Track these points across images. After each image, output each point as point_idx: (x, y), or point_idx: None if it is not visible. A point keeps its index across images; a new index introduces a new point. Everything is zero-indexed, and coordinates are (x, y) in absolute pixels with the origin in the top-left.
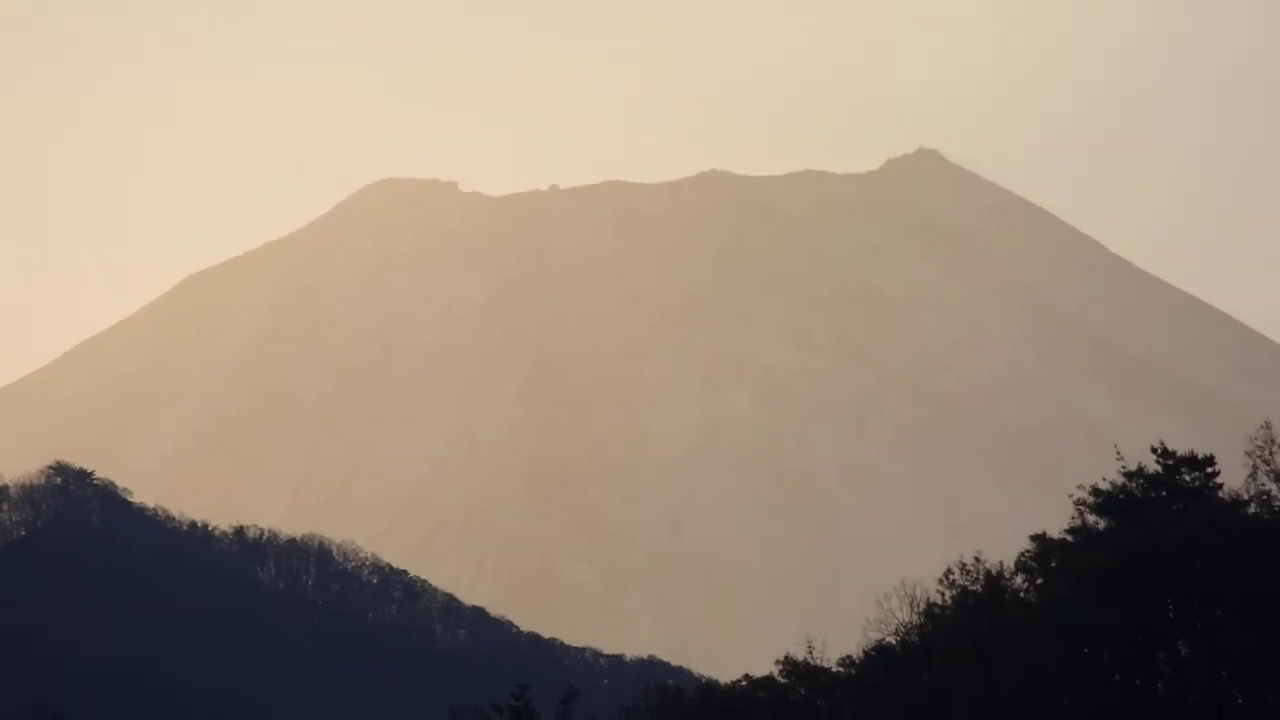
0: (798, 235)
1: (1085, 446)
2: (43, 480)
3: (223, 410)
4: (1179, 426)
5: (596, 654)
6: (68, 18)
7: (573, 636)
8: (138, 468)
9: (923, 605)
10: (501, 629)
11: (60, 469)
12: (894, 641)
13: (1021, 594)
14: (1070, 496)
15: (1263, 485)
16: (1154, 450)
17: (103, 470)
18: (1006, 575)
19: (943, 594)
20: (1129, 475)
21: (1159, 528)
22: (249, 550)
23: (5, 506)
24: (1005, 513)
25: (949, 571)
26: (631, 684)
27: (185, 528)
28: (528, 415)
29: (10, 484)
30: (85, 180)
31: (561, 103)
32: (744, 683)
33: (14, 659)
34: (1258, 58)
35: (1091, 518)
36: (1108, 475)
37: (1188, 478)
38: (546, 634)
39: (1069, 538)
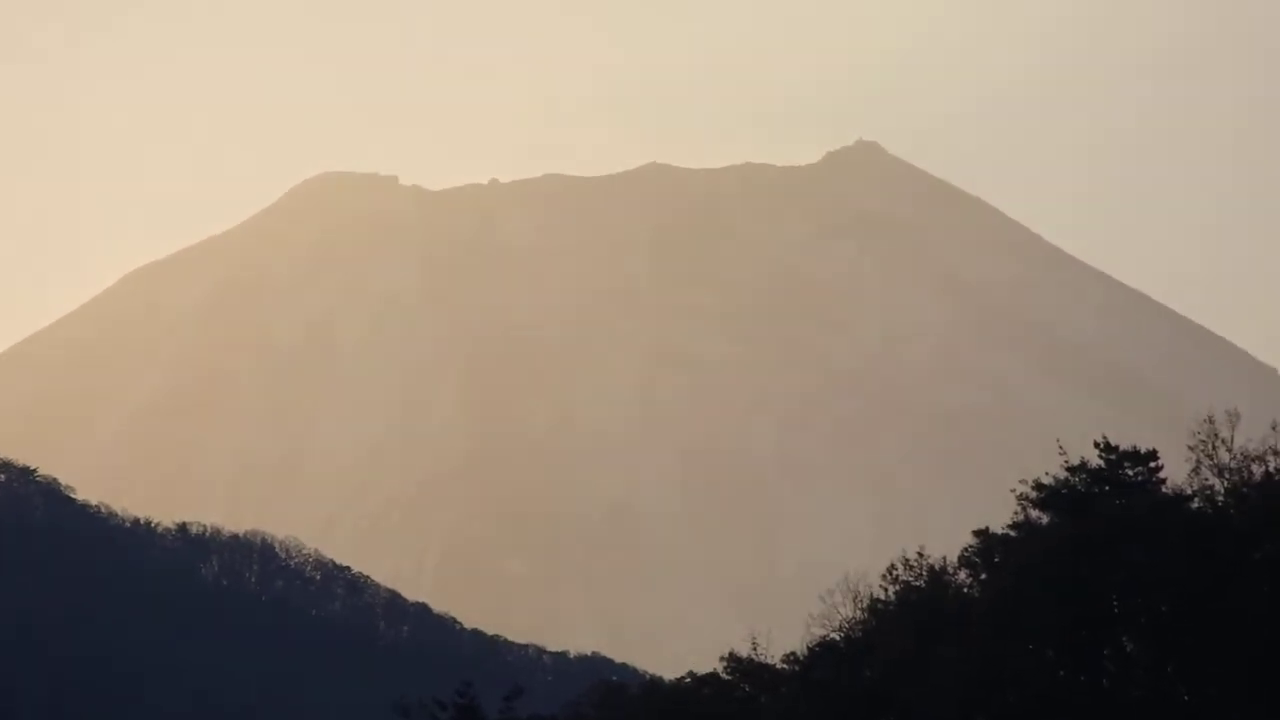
0: (736, 227)
1: (1023, 434)
2: None
3: (165, 404)
4: (1115, 414)
5: (540, 650)
6: (7, 13)
7: (511, 627)
8: (80, 463)
9: (866, 601)
10: (444, 625)
11: (3, 466)
12: (838, 637)
13: (965, 589)
14: (1013, 491)
15: (1205, 480)
16: (1097, 445)
17: (46, 466)
18: (950, 570)
19: (886, 589)
20: (1072, 470)
21: (1102, 522)
22: (192, 546)
23: None
24: (944, 502)
25: (892, 567)
26: (575, 681)
27: (129, 524)
28: (466, 408)
29: None
30: (28, 176)
31: (501, 97)
32: (688, 679)
33: None
34: (1190, 43)
35: (1034, 512)
36: (1046, 463)
37: (1130, 472)
38: (488, 627)
39: (1012, 533)
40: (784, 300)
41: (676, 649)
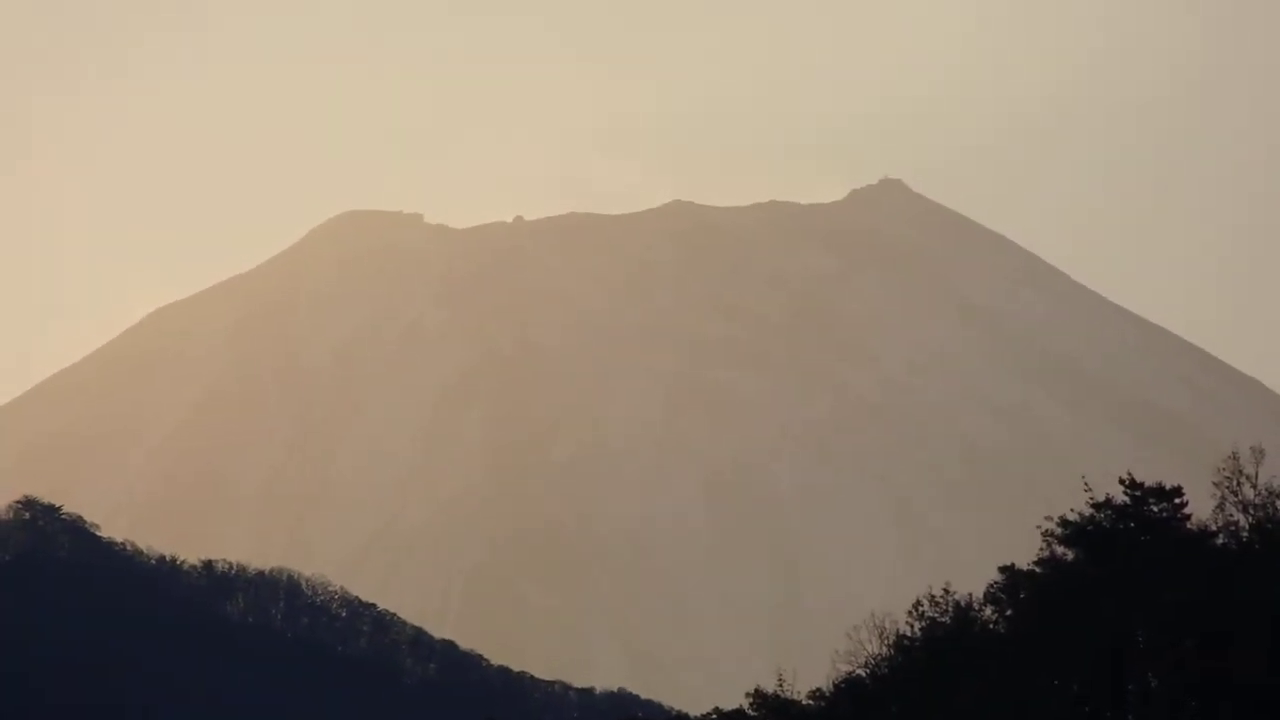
0: (760, 263)
1: (1046, 468)
2: (10, 515)
3: (189, 441)
4: (1138, 448)
5: (566, 687)
6: (33, 51)
7: (536, 661)
8: (105, 500)
9: (892, 637)
10: (471, 662)
11: (28, 504)
12: (864, 674)
13: (991, 625)
14: (1038, 528)
15: (1231, 516)
16: (1122, 481)
17: (71, 504)
18: (976, 607)
19: (912, 626)
20: (1097, 506)
21: (1127, 559)
22: (217, 583)
23: None
24: (968, 535)
25: (918, 603)
26: (602, 717)
27: (154, 561)
28: (490, 444)
29: None
30: (51, 215)
31: (526, 135)
32: (714, 715)
33: None
34: (1216, 80)
35: (1060, 549)
36: (1070, 497)
37: (1155, 508)
38: (514, 663)
39: (1037, 569)
40: (807, 332)
41: (702, 684)
